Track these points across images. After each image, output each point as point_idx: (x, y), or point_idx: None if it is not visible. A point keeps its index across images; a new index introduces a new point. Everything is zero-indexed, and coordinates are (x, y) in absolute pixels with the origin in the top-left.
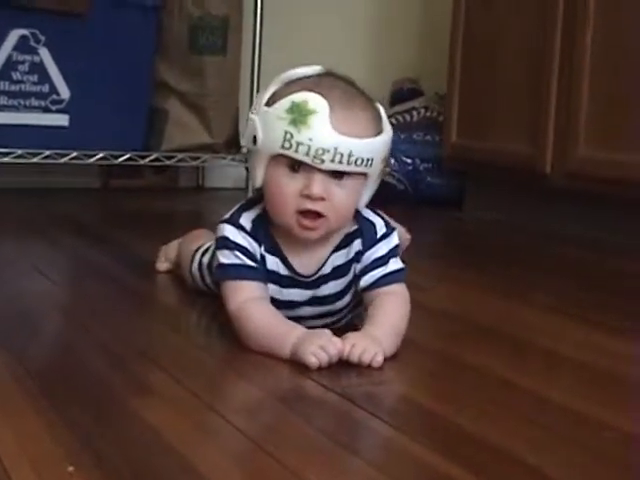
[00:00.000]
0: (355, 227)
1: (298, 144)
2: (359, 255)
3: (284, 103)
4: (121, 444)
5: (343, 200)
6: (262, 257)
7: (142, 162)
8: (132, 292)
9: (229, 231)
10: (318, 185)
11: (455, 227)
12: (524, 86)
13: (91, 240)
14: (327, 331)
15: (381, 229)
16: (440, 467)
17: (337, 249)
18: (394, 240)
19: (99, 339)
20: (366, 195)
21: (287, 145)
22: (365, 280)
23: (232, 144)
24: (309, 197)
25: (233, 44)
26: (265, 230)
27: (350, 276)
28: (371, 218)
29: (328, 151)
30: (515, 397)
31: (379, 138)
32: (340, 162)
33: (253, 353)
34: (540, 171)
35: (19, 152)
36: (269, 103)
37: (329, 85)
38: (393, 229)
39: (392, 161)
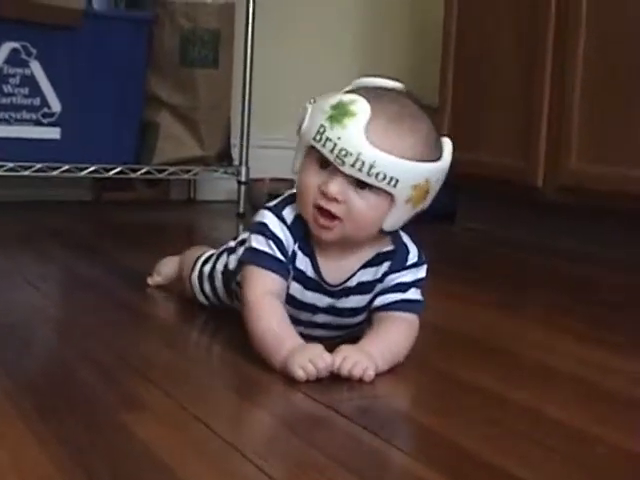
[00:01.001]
0: (389, 248)
1: (327, 139)
2: (385, 275)
3: (333, 98)
4: (112, 459)
5: (361, 210)
6: (294, 253)
7: (134, 175)
8: (124, 305)
9: (270, 219)
10: (335, 185)
11: (447, 240)
12: (516, 99)
13: (83, 253)
14: (319, 345)
15: (413, 257)
16: None
17: (366, 265)
18: (422, 272)
19: (90, 353)
20: (393, 218)
21: (318, 138)
22: (380, 300)
23: (224, 157)
24: (325, 195)
25: (224, 57)
26: (304, 228)
27: (372, 294)
28: (407, 244)
29: (351, 154)
30: (508, 411)
31: (414, 163)
32: (360, 170)
33: (244, 368)
34: (532, 184)
35: (10, 165)
36: None
37: (392, 99)
38: (425, 261)
39: None
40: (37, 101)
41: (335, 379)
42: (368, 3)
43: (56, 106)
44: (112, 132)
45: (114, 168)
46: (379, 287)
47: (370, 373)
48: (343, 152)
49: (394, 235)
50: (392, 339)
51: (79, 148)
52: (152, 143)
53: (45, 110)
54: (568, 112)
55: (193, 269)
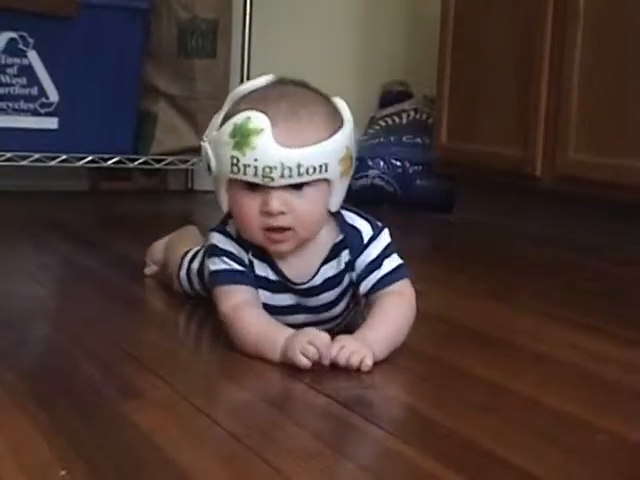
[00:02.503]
0: (341, 237)
1: (245, 167)
2: (350, 264)
3: (227, 127)
4: (112, 448)
5: (307, 210)
6: (250, 262)
7: (131, 165)
8: (121, 295)
9: (216, 238)
10: (275, 202)
11: (445, 230)
12: (514, 89)
13: (80, 243)
14: (312, 328)
15: (367, 233)
16: (434, 472)
17: (326, 261)
18: (384, 240)
19: (88, 343)
20: (336, 197)
21: (235, 170)
22: (364, 286)
23: None
24: (269, 214)
25: (222, 47)
26: None
27: (344, 285)
28: (355, 224)
29: (275, 168)
30: (506, 401)
31: (330, 140)
32: (290, 176)
33: (244, 356)
34: (530, 174)
35: (8, 155)
36: (221, 126)
37: (276, 96)
38: (382, 229)
39: (381, 163)
40: (35, 91)
41: (334, 368)
42: None
43: (54, 96)
44: (110, 122)
45: (112, 158)
46: (354, 275)
47: (367, 362)
48: (267, 169)
49: (339, 221)
50: (390, 320)
51: (77, 138)
52: (150, 133)
53: (43, 100)
54: (566, 102)
55: (181, 267)
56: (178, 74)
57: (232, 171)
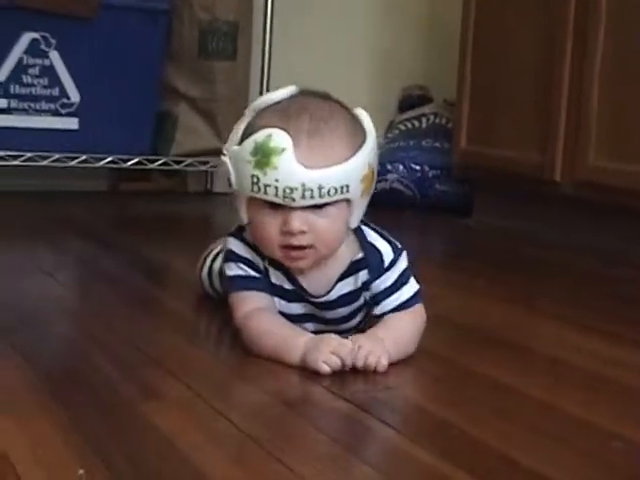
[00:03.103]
0: (360, 255)
1: (266, 186)
2: (367, 284)
3: (248, 144)
4: (130, 448)
5: (327, 229)
6: (266, 270)
7: (151, 166)
8: (141, 297)
9: (233, 244)
10: (296, 221)
11: (464, 234)
12: (534, 93)
13: (99, 243)
14: (333, 335)
15: (388, 256)
16: (447, 474)
17: (343, 277)
18: (403, 264)
19: (107, 343)
20: (356, 214)
21: (256, 189)
22: (379, 309)
23: None
24: (290, 233)
25: (242, 49)
26: None
27: (360, 302)
28: (377, 244)
29: (296, 189)
30: (520, 404)
31: (353, 160)
32: (312, 197)
33: (262, 359)
34: (549, 179)
35: (29, 155)
36: (242, 139)
37: (298, 110)
38: (401, 252)
39: (401, 168)
40: (56, 91)
41: (351, 370)
42: None
43: (75, 96)
44: (130, 123)
45: (132, 159)
46: (368, 295)
47: (383, 363)
48: (288, 190)
49: (359, 238)
50: (402, 329)
51: (97, 138)
52: (170, 134)
53: (64, 100)
54: (586, 107)
55: (203, 265)
56: (198, 76)
57: (252, 190)
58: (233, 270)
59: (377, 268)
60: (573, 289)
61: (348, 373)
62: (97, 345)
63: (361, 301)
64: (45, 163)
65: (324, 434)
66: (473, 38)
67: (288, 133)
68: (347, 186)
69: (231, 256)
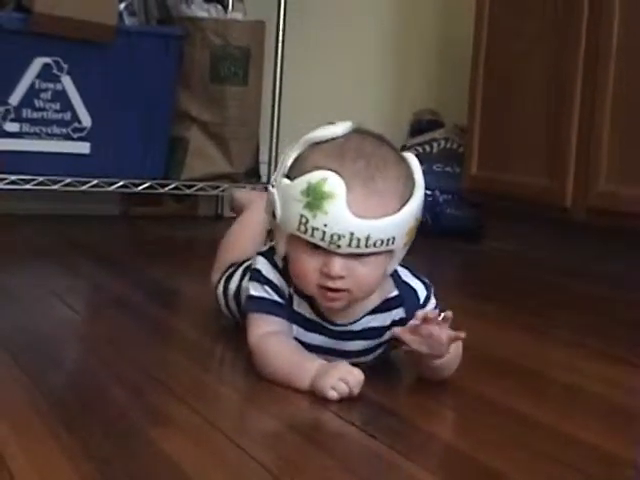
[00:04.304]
0: (395, 293)
1: (314, 229)
2: (403, 321)
3: (301, 183)
4: (139, 474)
5: (366, 276)
6: (290, 296)
7: (162, 190)
8: (151, 321)
9: (262, 265)
10: (337, 266)
11: (474, 259)
12: (545, 119)
13: (111, 267)
14: (344, 362)
15: (422, 293)
16: None
17: (375, 312)
18: (434, 300)
19: (118, 368)
20: (393, 264)
21: (302, 229)
22: None
23: (252, 174)
24: (329, 276)
25: (254, 74)
26: None
27: (382, 339)
28: (411, 283)
29: (344, 237)
30: (535, 433)
31: (402, 212)
32: (358, 246)
33: (272, 384)
34: (560, 205)
35: (40, 179)
36: (291, 173)
37: (353, 153)
38: (431, 288)
39: None
40: (68, 116)
41: (361, 396)
42: (397, 22)
43: (86, 121)
44: (141, 147)
45: (143, 183)
46: (390, 333)
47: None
48: (335, 237)
49: (394, 277)
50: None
51: (108, 163)
52: (181, 159)
53: (75, 125)
54: (597, 132)
55: (218, 284)
56: (210, 100)
57: (299, 229)
58: (257, 291)
59: (413, 305)
60: (585, 315)
61: (360, 399)
62: (107, 369)
63: (384, 338)
64: (57, 187)
65: (333, 460)
66: (484, 64)
67: (343, 179)
68: (393, 238)
69: (258, 277)
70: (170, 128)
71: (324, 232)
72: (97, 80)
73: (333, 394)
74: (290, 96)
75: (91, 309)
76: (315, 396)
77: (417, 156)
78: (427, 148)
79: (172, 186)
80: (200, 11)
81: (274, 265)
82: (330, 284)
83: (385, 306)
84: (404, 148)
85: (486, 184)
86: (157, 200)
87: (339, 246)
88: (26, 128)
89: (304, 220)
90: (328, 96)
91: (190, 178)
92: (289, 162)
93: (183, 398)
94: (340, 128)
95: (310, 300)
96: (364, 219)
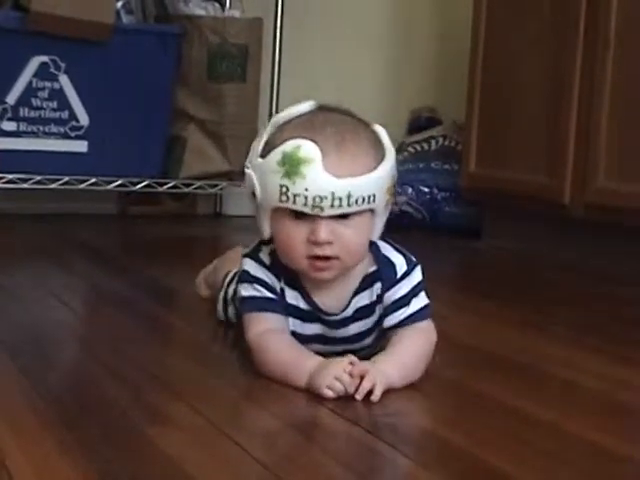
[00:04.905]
0: (374, 268)
1: (295, 196)
2: (380, 297)
3: (275, 155)
4: (138, 472)
5: (353, 239)
6: (282, 290)
7: (160, 189)
8: (150, 320)
9: (250, 265)
10: (323, 231)
11: (473, 257)
12: (543, 116)
13: (109, 266)
14: (340, 360)
15: (401, 268)
16: None
17: (358, 292)
18: (417, 276)
19: (117, 367)
20: (378, 226)
21: (284, 199)
22: (388, 321)
23: None
24: (316, 243)
25: (252, 72)
26: (285, 264)
27: (375, 317)
28: (391, 257)
29: (326, 198)
30: (533, 428)
31: (379, 169)
32: (340, 206)
33: (270, 382)
34: (559, 201)
35: (38, 178)
36: (264, 153)
37: (321, 123)
38: (415, 265)
39: (410, 190)
40: (65, 114)
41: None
42: (394, 20)
43: (84, 119)
44: (139, 146)
45: (141, 182)
46: (379, 307)
47: (377, 394)
48: (317, 199)
49: (374, 252)
50: (408, 353)
51: (106, 161)
52: (179, 157)
53: (73, 123)
54: (595, 129)
55: (221, 288)
56: (208, 98)
57: (281, 200)
58: (248, 291)
59: (389, 279)
60: (583, 311)
61: (353, 396)
62: (105, 368)
63: (375, 317)
64: (54, 186)
65: (331, 457)
66: (482, 60)
67: (316, 144)
68: (374, 195)
69: (246, 277)
70: (168, 126)
71: (306, 197)
72: (94, 78)
73: (328, 392)
74: (288, 93)
75: (89, 308)
76: (313, 394)
77: (415, 154)
78: (425, 146)
79: (170, 184)
80: (197, 9)
81: (260, 263)
82: (318, 251)
83: (366, 283)
84: (402, 146)
85: (484, 181)
86: (155, 199)
87: (322, 208)
88: (23, 127)
89: (284, 189)
90: (326, 93)
91: (188, 176)
92: (261, 145)
93: (182, 396)
94: (305, 105)
95: (301, 290)
96: (343, 178)
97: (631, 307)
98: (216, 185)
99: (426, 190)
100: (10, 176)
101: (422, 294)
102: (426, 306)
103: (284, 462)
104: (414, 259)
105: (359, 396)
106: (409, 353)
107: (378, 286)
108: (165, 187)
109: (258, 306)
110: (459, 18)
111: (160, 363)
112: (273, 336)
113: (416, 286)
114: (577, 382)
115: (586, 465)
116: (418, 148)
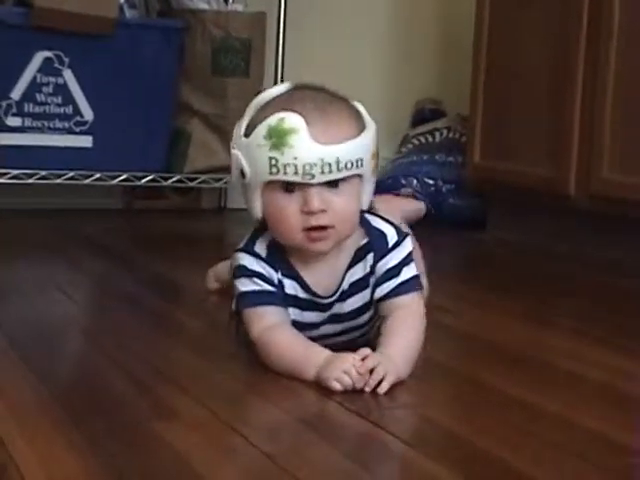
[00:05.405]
0: (365, 240)
1: (285, 166)
2: (373, 267)
3: (260, 130)
4: (145, 466)
5: (345, 206)
6: (280, 282)
7: (165, 183)
8: (156, 314)
9: (245, 259)
10: (316, 199)
11: (477, 248)
12: (547, 107)
13: (114, 261)
14: (349, 355)
15: (392, 238)
16: None
17: (351, 265)
18: (407, 247)
19: (123, 362)
20: (366, 194)
21: (274, 170)
22: (379, 292)
23: None
24: (310, 213)
25: (255, 66)
26: (281, 254)
27: (370, 289)
28: (381, 227)
29: (315, 165)
30: (538, 420)
31: (363, 135)
32: (330, 172)
33: (277, 376)
34: (563, 193)
35: (43, 173)
36: (247, 133)
37: (300, 98)
38: (405, 235)
39: (414, 182)
40: (69, 109)
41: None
42: (399, 14)
43: (88, 114)
44: (144, 140)
45: (146, 176)
46: (373, 279)
47: (386, 384)
48: (307, 167)
49: (364, 225)
50: (408, 341)
51: (111, 156)
52: (183, 151)
53: (77, 118)
54: (600, 121)
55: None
56: (211, 92)
57: (271, 172)
58: (247, 286)
59: (381, 249)
60: (588, 303)
61: (361, 389)
62: (112, 363)
63: (370, 289)
64: (59, 181)
65: (339, 450)
66: (486, 52)
67: (299, 114)
68: (361, 160)
69: (244, 271)
70: (172, 121)
71: (296, 165)
72: (98, 73)
73: (336, 385)
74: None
75: (95, 303)
76: (321, 387)
77: (419, 146)
78: (429, 138)
79: (175, 179)
80: (201, 3)
81: (257, 256)
82: (313, 221)
83: (358, 256)
84: (406, 138)
85: (489, 173)
86: (160, 193)
87: (313, 175)
88: (28, 122)
89: (274, 162)
90: (330, 86)
91: (193, 171)
92: (242, 127)
93: (187, 391)
94: (282, 87)
95: (298, 279)
96: (330, 145)
97: (635, 299)
98: (220, 179)
99: (431, 182)
100: (15, 171)
101: (412, 264)
102: (416, 276)
103: (291, 455)
104: (404, 229)
105: (368, 388)
106: (409, 339)
107: (370, 257)
108: (169, 181)
109: (259, 300)
110: (463, 10)
111: (165, 357)
112: (279, 330)
113: (407, 256)
114: (581, 373)
115: (591, 456)
116: (422, 140)
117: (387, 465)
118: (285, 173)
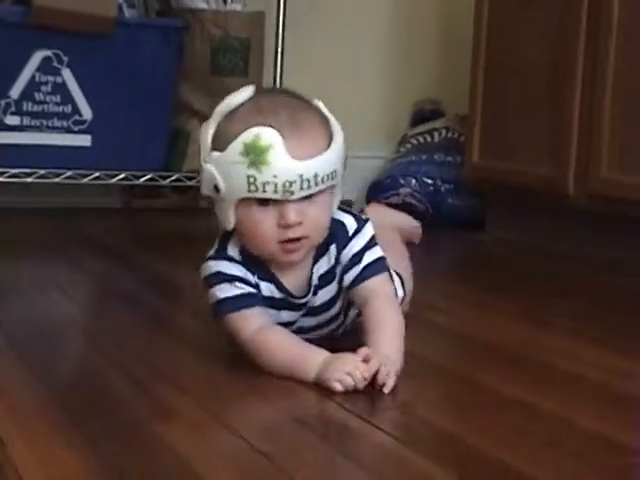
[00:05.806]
0: (326, 233)
1: (264, 184)
2: (337, 258)
3: (235, 147)
4: (145, 467)
5: (319, 216)
6: (257, 285)
7: (164, 182)
8: (155, 314)
9: (220, 265)
10: (292, 214)
11: (476, 248)
12: (546, 107)
13: (113, 260)
14: (349, 355)
15: (352, 226)
16: None
17: (317, 259)
18: (368, 233)
19: (122, 362)
20: (338, 197)
21: (253, 188)
22: (346, 279)
23: None
24: (288, 226)
25: (254, 65)
26: (255, 258)
27: (337, 281)
28: (340, 218)
29: (295, 182)
30: (535, 420)
31: (334, 146)
32: (309, 187)
33: (276, 377)
34: (562, 192)
35: (42, 172)
36: (218, 145)
37: (271, 109)
38: (365, 221)
39: (413, 182)
40: (68, 108)
41: (366, 388)
42: (397, 12)
43: (87, 113)
44: (142, 139)
45: (144, 175)
46: (339, 269)
47: (390, 383)
48: (287, 184)
49: None
50: (393, 329)
51: (110, 155)
52: (182, 150)
53: (76, 117)
54: (598, 120)
55: None
56: (210, 92)
57: (249, 190)
58: (229, 291)
59: (342, 238)
60: (586, 302)
61: (364, 390)
62: (111, 363)
63: (337, 281)
64: (58, 180)
65: (338, 452)
66: (485, 52)
67: (274, 128)
68: (335, 171)
69: (223, 277)
70: (171, 120)
71: (275, 183)
72: (97, 72)
73: (338, 386)
74: (290, 87)
75: (94, 302)
76: (320, 388)
77: (418, 146)
78: (428, 138)
79: (174, 178)
80: (200, 2)
81: (232, 260)
82: (290, 234)
83: (322, 249)
84: (405, 138)
85: (487, 173)
86: (159, 192)
87: (292, 192)
88: (27, 121)
89: (252, 179)
90: (328, 86)
91: (192, 170)
92: (209, 137)
93: (187, 390)
94: (244, 93)
95: (273, 280)
96: (306, 159)
97: (633, 298)
98: None
99: (429, 182)
100: (14, 170)
101: (376, 248)
102: (381, 258)
103: (290, 456)
104: (364, 216)
105: (385, 389)
106: (394, 328)
107: (333, 248)
108: (168, 180)
109: (243, 303)
110: (462, 10)
111: (165, 358)
112: (271, 331)
113: (369, 241)
114: (578, 373)
115: (589, 456)
116: (421, 140)
117: (387, 467)
118: (264, 191)
